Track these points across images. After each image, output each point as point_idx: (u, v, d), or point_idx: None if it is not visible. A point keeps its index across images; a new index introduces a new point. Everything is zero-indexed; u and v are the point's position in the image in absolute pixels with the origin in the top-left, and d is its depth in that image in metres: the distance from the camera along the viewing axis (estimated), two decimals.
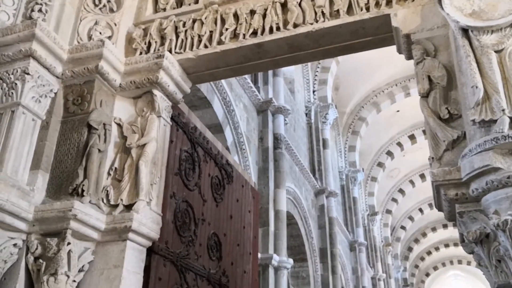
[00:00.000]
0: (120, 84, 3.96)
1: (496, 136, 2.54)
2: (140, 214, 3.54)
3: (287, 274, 9.00)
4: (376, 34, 3.66)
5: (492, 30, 2.83)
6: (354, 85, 18.01)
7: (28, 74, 3.55)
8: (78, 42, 3.96)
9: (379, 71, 17.84)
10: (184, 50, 4.01)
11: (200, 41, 3.99)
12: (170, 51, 4.01)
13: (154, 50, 4.05)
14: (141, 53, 4.09)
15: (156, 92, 3.94)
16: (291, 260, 9.07)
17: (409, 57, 3.56)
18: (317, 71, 15.14)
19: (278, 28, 3.76)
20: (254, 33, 3.83)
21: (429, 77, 3.19)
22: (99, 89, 3.85)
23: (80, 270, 3.36)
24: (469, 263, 37.55)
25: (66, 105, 3.81)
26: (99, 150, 3.64)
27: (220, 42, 3.91)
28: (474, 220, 2.70)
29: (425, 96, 3.18)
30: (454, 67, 3.16)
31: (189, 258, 4.25)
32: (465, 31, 2.92)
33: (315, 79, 15.11)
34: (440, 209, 3.04)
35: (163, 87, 3.97)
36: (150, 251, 3.78)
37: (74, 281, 3.30)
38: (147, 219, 3.62)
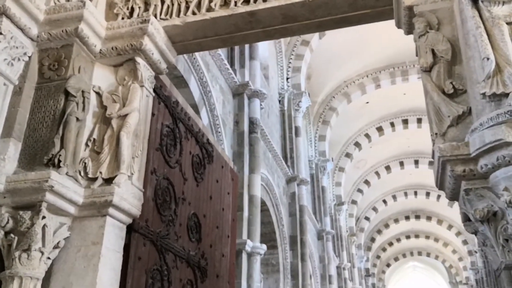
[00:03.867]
0: (100, 50, 3.69)
1: (510, 110, 2.43)
2: (121, 188, 3.30)
3: (260, 260, 8.87)
4: (375, 6, 3.50)
5: (504, 1, 2.72)
6: (326, 74, 17.96)
7: (0, 33, 3.25)
8: (55, 3, 3.66)
9: (351, 62, 17.87)
10: (171, 17, 3.76)
11: (187, 7, 3.75)
12: (155, 16, 3.76)
13: (138, 16, 3.79)
14: (123, 19, 3.82)
15: (139, 60, 3.69)
16: (264, 246, 8.94)
17: (409, 31, 3.43)
18: (291, 58, 14.99)
19: None
20: (247, 0, 3.61)
21: (432, 50, 3.06)
22: (78, 55, 3.57)
23: (55, 247, 3.10)
24: (428, 255, 38.52)
25: (41, 70, 3.52)
26: (77, 119, 3.37)
27: (209, 9, 3.68)
28: (481, 198, 2.59)
29: (427, 70, 3.05)
30: (458, 41, 3.04)
31: (169, 238, 4.04)
32: (474, 2, 2.80)
33: (289, 66, 14.95)
34: (441, 187, 2.92)
35: (147, 55, 3.72)
36: (130, 229, 3.55)
37: (49, 258, 3.05)
38: (128, 194, 3.38)
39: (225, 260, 5.22)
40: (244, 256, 8.28)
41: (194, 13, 3.70)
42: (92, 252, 3.12)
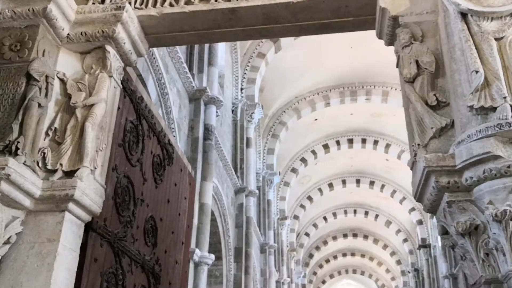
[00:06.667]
0: (68, 34, 3.44)
1: (500, 123, 2.43)
2: (83, 182, 3.06)
3: (207, 270, 8.64)
4: (358, 15, 3.47)
5: (493, 17, 2.75)
6: (278, 89, 18.03)
7: None
8: None
9: (303, 78, 18.05)
10: (146, 6, 3.57)
11: None
12: (129, 4, 3.56)
13: (111, 2, 3.57)
14: (94, 4, 3.60)
15: (109, 48, 3.47)
16: (212, 256, 8.72)
17: (390, 42, 3.42)
18: (246, 69, 14.93)
19: None
20: None
21: (416, 62, 3.05)
22: (43, 37, 3.31)
23: (5, 243, 2.81)
24: (362, 273, 39.30)
25: (1, 50, 3.24)
26: (39, 105, 3.11)
27: (188, 2, 3.52)
28: (463, 211, 2.57)
29: (410, 81, 3.04)
30: (441, 54, 3.05)
31: (125, 241, 3.80)
32: (463, 15, 2.81)
33: (244, 77, 14.89)
34: (419, 198, 2.89)
35: (118, 44, 3.50)
36: (87, 228, 3.30)
37: None
38: (90, 189, 3.14)
39: (178, 268, 5.01)
40: (191, 266, 8.03)
41: (171, 5, 3.54)
42: (47, 250, 2.86)
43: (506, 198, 2.39)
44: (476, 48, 2.69)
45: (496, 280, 2.44)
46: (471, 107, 2.60)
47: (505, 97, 2.51)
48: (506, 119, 2.43)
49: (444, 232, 2.78)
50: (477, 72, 2.59)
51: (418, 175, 2.77)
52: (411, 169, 2.99)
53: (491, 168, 2.42)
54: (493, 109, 2.54)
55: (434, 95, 2.92)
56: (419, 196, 2.88)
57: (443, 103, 2.90)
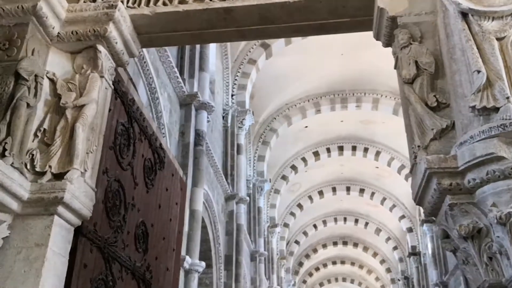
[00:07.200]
0: (58, 33, 3.35)
1: (503, 123, 2.38)
2: (73, 185, 2.95)
3: (198, 278, 8.51)
4: (355, 15, 3.42)
5: (494, 17, 2.71)
6: (269, 95, 17.98)
7: None
8: None
9: (294, 85, 18.02)
10: (139, 5, 3.49)
11: None
12: (121, 3, 3.48)
13: (103, 0, 3.49)
14: (85, 2, 3.51)
15: (100, 48, 3.38)
16: (203, 263, 8.60)
17: (388, 43, 3.37)
18: (237, 75, 14.87)
19: None
20: None
21: (416, 62, 2.99)
22: (32, 35, 3.22)
23: None
24: (352, 281, 39.21)
25: None
26: (28, 105, 3.01)
27: (182, 1, 3.45)
28: (465, 214, 2.51)
29: (409, 82, 2.98)
30: (441, 55, 3.00)
31: (116, 246, 3.70)
32: (463, 16, 2.77)
33: (235, 83, 14.82)
34: (420, 202, 2.82)
35: (110, 43, 3.42)
36: (77, 232, 3.19)
37: None
38: (80, 192, 3.04)
39: (169, 275, 4.90)
40: (181, 273, 7.89)
41: (165, 4, 3.46)
42: (35, 255, 2.75)
43: (510, 201, 2.33)
44: (477, 48, 2.64)
45: (500, 284, 2.38)
46: (473, 107, 2.55)
47: (508, 97, 2.46)
48: (509, 119, 2.38)
49: (445, 236, 2.71)
50: (479, 72, 2.54)
51: (419, 177, 2.71)
52: (411, 172, 2.93)
53: (494, 170, 2.37)
54: (496, 109, 2.49)
55: (434, 96, 2.86)
56: (419, 199, 2.82)
57: (443, 104, 2.85)
